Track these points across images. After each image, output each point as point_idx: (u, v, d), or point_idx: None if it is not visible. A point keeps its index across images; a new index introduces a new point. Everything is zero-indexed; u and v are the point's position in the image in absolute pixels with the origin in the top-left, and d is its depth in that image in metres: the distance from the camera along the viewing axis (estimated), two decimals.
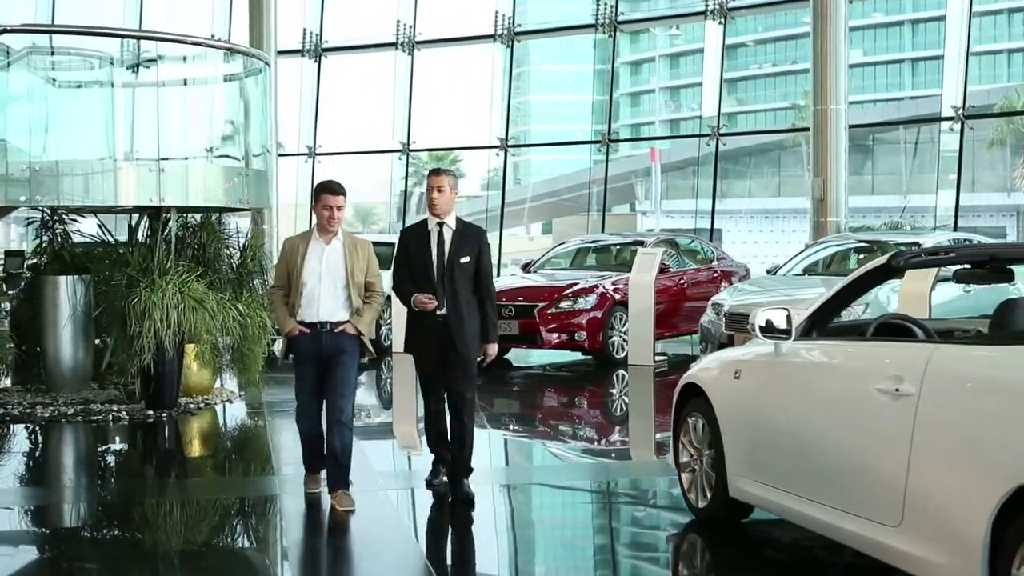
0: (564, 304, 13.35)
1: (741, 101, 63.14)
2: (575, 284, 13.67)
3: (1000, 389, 4.16)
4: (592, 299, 13.40)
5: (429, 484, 7.18)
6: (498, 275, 18.66)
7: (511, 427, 10.77)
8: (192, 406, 10.26)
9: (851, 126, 16.15)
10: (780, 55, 59.64)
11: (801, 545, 5.91)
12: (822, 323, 5.60)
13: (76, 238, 11.42)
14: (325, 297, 6.61)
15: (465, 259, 6.76)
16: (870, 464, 4.78)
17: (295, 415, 6.90)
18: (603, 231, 20.09)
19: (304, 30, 22.32)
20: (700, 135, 20.78)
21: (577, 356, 14.01)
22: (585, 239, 16.84)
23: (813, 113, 15.96)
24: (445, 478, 7.04)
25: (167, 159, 9.95)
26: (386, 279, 6.91)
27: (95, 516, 7.12)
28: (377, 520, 6.67)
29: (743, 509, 6.13)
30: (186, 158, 10.40)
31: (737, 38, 60.40)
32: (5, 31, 9.15)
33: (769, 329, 5.52)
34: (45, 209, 10.75)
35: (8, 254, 12.91)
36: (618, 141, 20.55)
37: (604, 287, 13.60)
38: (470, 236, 6.84)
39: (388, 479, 7.90)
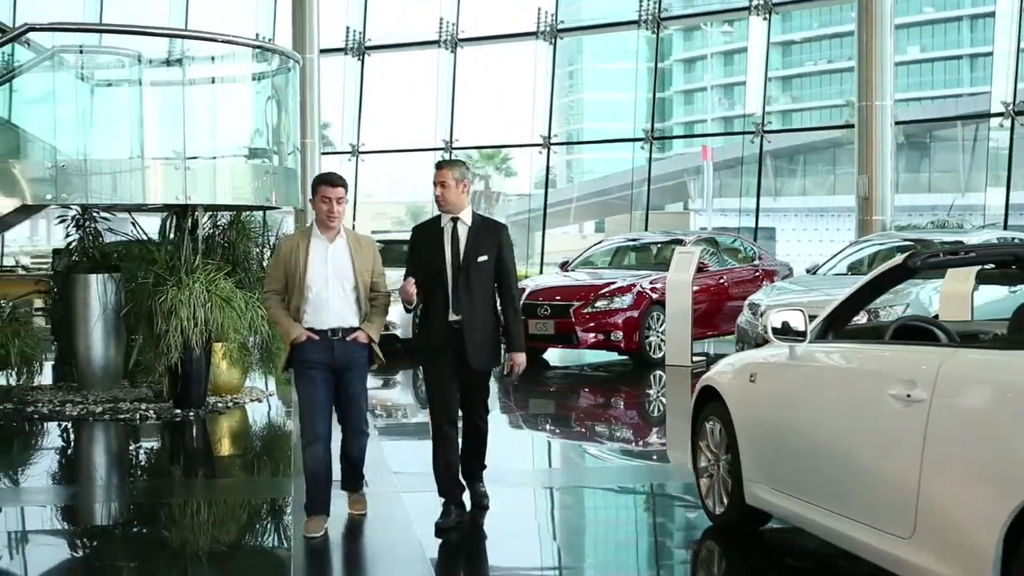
0: (600, 303, 13.18)
1: (796, 99, 62.54)
2: (611, 283, 13.49)
3: (1013, 397, 3.95)
4: (628, 298, 13.21)
5: (439, 529, 6.17)
6: (540, 274, 18.51)
7: (546, 428, 10.65)
8: (220, 405, 10.22)
9: (902, 122, 15.84)
10: (836, 52, 58.99)
11: (822, 553, 5.70)
12: (839, 325, 5.41)
13: (112, 237, 11.44)
14: (335, 301, 6.03)
15: (483, 258, 6.11)
16: (882, 473, 4.60)
17: (302, 440, 6.14)
18: (646, 229, 19.86)
19: (347, 28, 22.31)
20: (744, 132, 20.48)
21: (614, 356, 13.83)
22: (625, 237, 16.64)
23: (858, 109, 15.65)
24: (458, 520, 6.25)
25: (194, 157, 9.90)
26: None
27: (118, 515, 7.09)
28: (388, 525, 6.56)
29: (761, 516, 5.95)
30: (214, 157, 10.35)
31: (791, 35, 59.90)
32: (31, 30, 9.14)
33: (783, 331, 5.34)
34: (76, 207, 10.77)
35: (57, 252, 13.00)
36: (661, 139, 20.28)
37: (641, 286, 13.41)
38: (488, 232, 6.21)
39: (407, 480, 7.78)
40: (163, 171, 9.91)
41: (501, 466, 7.26)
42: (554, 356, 14.29)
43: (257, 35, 22.70)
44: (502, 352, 6.45)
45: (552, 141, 21.35)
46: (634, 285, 13.41)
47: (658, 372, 12.86)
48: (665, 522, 7.00)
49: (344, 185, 6.11)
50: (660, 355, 13.22)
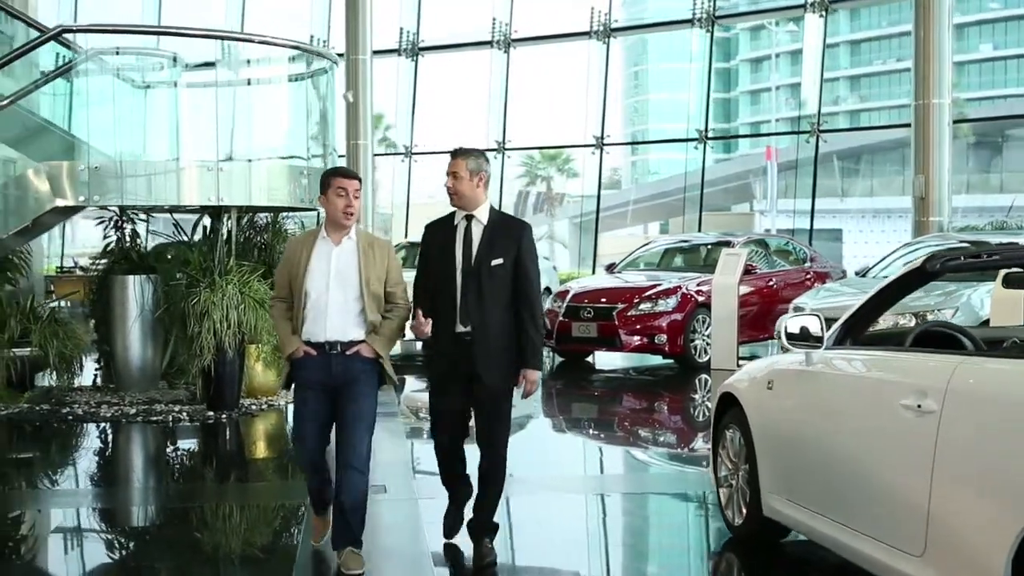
0: (644, 306, 12.97)
1: (864, 98, 61.56)
2: (656, 285, 13.27)
3: (1022, 411, 3.72)
4: (673, 301, 12.99)
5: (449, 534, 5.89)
6: (591, 276, 18.32)
7: (587, 432, 10.52)
8: (254, 407, 10.16)
9: (967, 120, 15.41)
10: (907, 51, 58.03)
11: (847, 568, 5.48)
12: (858, 331, 5.18)
13: (154, 239, 11.48)
14: (334, 310, 5.32)
15: (498, 261, 5.35)
16: (894, 487, 4.38)
17: (297, 458, 5.64)
18: (699, 230, 19.58)
19: (401, 29, 22.28)
20: (799, 132, 20.13)
21: (658, 360, 13.61)
22: (674, 239, 16.40)
23: (914, 108, 15.26)
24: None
25: (227, 159, 9.87)
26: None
27: (148, 517, 7.05)
28: (398, 532, 6.44)
29: (781, 529, 5.74)
30: (249, 160, 10.32)
31: (859, 33, 59.00)
32: (64, 31, 9.15)
33: (799, 337, 5.13)
34: (114, 209, 10.80)
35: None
36: (715, 139, 19.92)
37: (687, 289, 13.18)
38: (507, 232, 5.44)
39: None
40: (196, 173, 9.89)
41: (537, 470, 7.15)
42: (600, 359, 14.10)
43: (312, 37, 22.79)
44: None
45: (606, 141, 21.11)
46: (679, 287, 13.19)
47: (703, 376, 12.61)
48: (691, 531, 6.80)
49: (360, 179, 5.54)
50: (705, 359, 12.97)
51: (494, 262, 5.39)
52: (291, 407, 10.44)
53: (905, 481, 4.26)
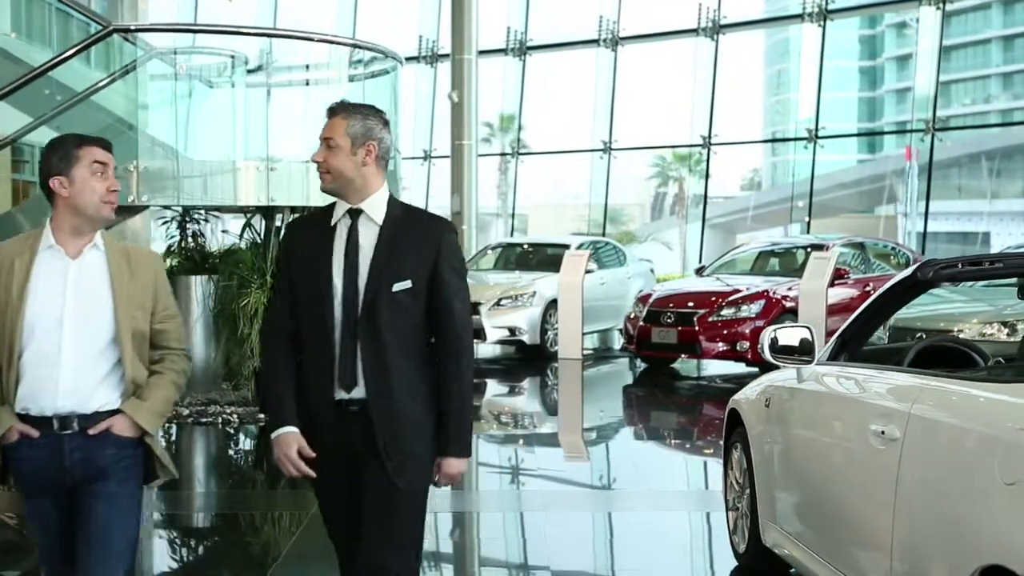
0: (726, 312, 12.43)
1: (1018, 96, 59.00)
2: (739, 290, 12.73)
3: (979, 442, 3.23)
4: (757, 307, 12.43)
5: None
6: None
7: (656, 439, 10.17)
8: None
9: None
10: None
11: None
12: (854, 345, 4.69)
13: (226, 239, 11.47)
14: (70, 363, 3.38)
15: (402, 284, 3.42)
16: (863, 519, 3.93)
17: None
18: (808, 232, 18.85)
19: (508, 28, 22.05)
20: (912, 131, 19.25)
21: (742, 367, 13.04)
22: (768, 242, 15.79)
23: None
24: None
25: (278, 159, 9.76)
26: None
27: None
28: None
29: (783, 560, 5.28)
30: (304, 161, 10.18)
31: (1016, 28, 56.60)
32: (115, 31, 9.15)
33: (785, 351, 4.68)
34: (177, 208, 10.81)
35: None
36: (825, 138, 19.16)
37: (773, 294, 12.60)
38: (417, 236, 3.49)
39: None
40: (247, 173, 9.79)
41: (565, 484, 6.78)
42: (684, 366, 13.62)
43: (420, 37, 22.76)
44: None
45: (713, 141, 20.52)
46: (766, 292, 12.62)
47: None
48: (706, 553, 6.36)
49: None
50: None
51: (398, 285, 3.42)
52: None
53: (870, 513, 3.82)
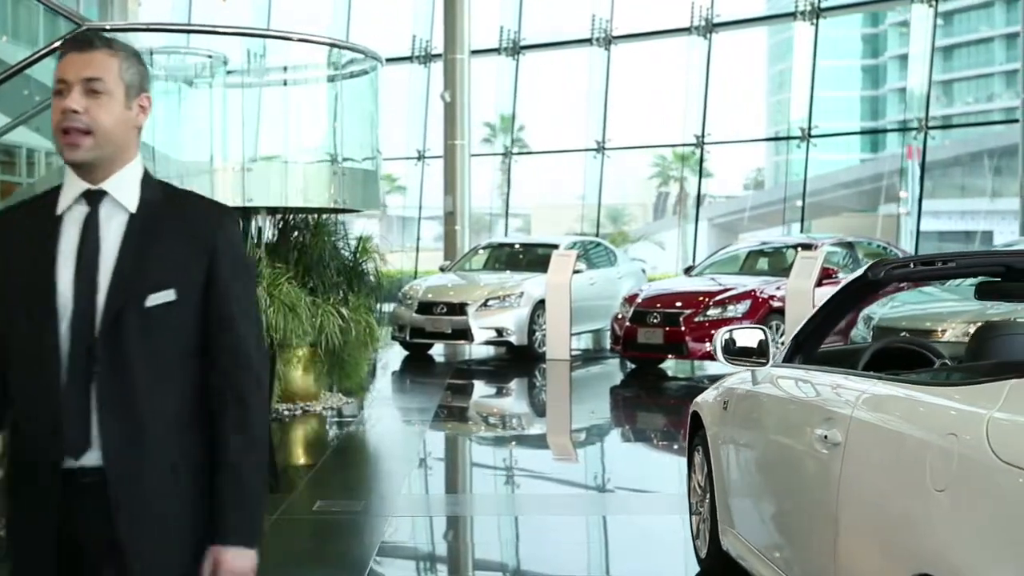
0: (712, 311, 12.34)
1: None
2: (728, 290, 12.64)
3: (914, 445, 3.15)
4: (743, 307, 12.34)
5: None
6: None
7: (649, 442, 10.20)
8: (287, 413, 9.93)
9: None
10: None
11: None
12: (808, 347, 4.60)
13: None
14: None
15: (161, 296, 2.36)
16: (809, 527, 3.85)
17: None
18: (802, 231, 18.77)
19: (501, 28, 21.95)
20: (905, 129, 19.14)
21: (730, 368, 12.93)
22: (757, 242, 15.70)
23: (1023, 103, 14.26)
24: None
25: (254, 160, 9.69)
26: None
27: None
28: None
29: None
30: (285, 161, 10.15)
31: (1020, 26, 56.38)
32: (92, 30, 9.06)
33: (737, 352, 4.59)
34: None
35: None
36: (817, 137, 19.05)
37: (761, 293, 12.52)
38: (182, 227, 2.43)
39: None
40: (224, 173, 9.72)
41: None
42: (672, 366, 13.53)
43: (414, 37, 22.69)
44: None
45: (707, 140, 20.41)
46: (753, 292, 12.54)
47: None
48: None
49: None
50: None
51: (154, 297, 2.36)
52: (331, 412, 10.25)
53: (818, 522, 3.73)
